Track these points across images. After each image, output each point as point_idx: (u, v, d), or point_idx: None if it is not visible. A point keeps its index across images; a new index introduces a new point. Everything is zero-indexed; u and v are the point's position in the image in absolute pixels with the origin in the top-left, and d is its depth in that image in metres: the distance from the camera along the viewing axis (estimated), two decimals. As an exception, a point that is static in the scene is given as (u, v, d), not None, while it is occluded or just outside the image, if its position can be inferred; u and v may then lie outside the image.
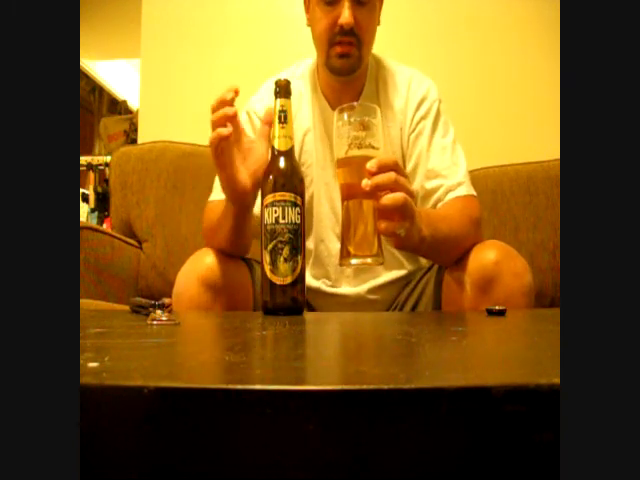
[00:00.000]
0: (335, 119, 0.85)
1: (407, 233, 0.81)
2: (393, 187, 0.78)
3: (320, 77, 1.14)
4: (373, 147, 0.82)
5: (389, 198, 0.77)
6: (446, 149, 1.08)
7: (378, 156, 0.80)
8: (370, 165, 0.77)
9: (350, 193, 0.83)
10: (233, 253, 0.99)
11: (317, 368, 0.38)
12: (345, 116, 0.83)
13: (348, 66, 1.05)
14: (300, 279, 0.80)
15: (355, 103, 0.92)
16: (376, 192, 0.78)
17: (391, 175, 0.77)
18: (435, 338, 0.55)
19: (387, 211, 0.79)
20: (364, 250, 0.81)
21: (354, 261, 0.81)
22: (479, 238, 0.99)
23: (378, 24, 1.11)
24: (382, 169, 0.77)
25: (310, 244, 1.11)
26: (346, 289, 1.12)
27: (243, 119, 1.18)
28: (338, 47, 1.04)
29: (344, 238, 0.83)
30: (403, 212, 0.79)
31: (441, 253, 0.98)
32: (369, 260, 0.81)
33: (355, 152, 0.82)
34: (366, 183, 0.77)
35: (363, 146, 0.81)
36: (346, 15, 1.01)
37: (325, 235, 1.11)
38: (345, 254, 0.82)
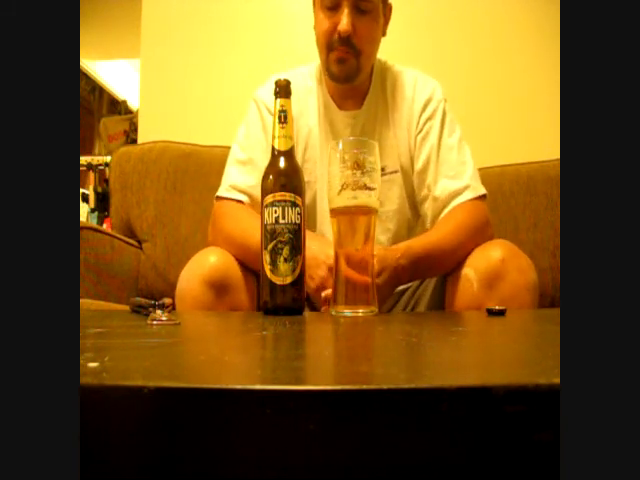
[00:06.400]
0: (329, 154, 0.81)
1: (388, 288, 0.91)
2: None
3: (325, 78, 1.14)
4: (368, 188, 0.78)
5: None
6: (453, 149, 1.08)
7: (374, 197, 0.79)
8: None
9: (342, 243, 0.81)
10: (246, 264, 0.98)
11: (317, 368, 0.38)
12: (338, 154, 0.79)
13: (345, 73, 1.04)
14: (300, 279, 0.80)
15: (351, 138, 0.90)
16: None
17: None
18: (435, 338, 0.55)
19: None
20: (357, 300, 0.79)
21: (347, 312, 0.78)
22: (480, 242, 0.99)
23: (383, 35, 1.10)
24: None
25: None
26: None
27: (252, 107, 1.17)
28: (336, 52, 1.03)
29: (337, 287, 0.80)
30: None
31: (432, 272, 1.02)
32: (360, 312, 0.78)
33: (349, 196, 0.78)
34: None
35: (357, 187, 0.78)
36: (344, 22, 0.99)
37: (328, 230, 1.11)
38: (337, 302, 0.80)
